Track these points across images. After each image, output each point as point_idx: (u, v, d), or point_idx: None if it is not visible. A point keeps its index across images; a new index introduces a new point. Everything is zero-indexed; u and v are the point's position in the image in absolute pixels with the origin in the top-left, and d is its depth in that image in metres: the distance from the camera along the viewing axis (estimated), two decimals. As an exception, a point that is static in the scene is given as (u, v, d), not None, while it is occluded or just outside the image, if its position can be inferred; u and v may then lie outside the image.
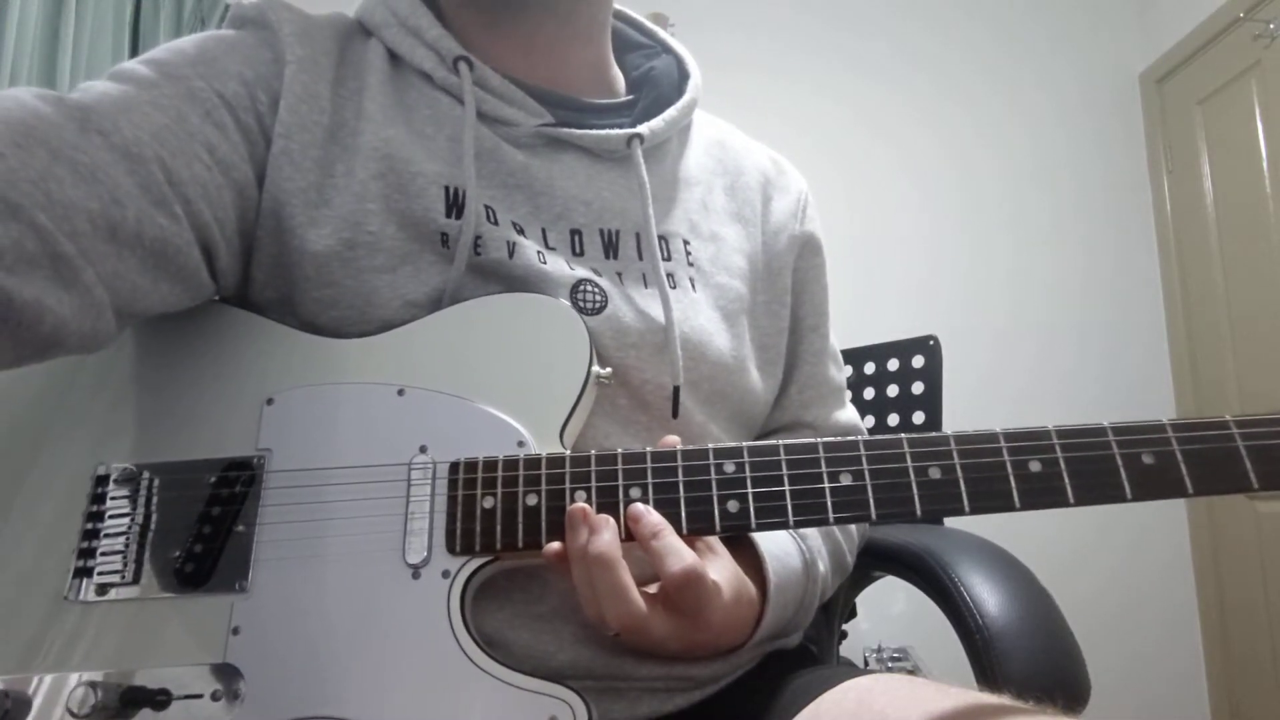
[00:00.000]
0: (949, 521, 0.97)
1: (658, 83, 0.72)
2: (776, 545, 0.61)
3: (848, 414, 0.77)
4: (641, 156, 0.66)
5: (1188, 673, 2.39)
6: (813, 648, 0.71)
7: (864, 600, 0.96)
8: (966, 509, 0.50)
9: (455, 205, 0.60)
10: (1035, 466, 0.50)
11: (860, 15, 2.67)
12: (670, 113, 0.70)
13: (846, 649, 1.01)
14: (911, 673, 0.62)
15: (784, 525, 0.52)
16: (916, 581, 0.74)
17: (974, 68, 2.66)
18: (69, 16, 1.68)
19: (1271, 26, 2.21)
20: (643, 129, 0.67)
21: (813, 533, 0.65)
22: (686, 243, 0.68)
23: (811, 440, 0.53)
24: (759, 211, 0.74)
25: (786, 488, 0.52)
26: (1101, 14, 2.72)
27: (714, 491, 0.52)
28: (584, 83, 0.70)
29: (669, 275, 0.65)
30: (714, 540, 0.56)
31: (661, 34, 0.78)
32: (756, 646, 0.61)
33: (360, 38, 0.67)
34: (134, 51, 1.90)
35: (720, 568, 0.55)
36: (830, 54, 2.64)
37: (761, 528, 0.52)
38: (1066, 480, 0.50)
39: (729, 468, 0.53)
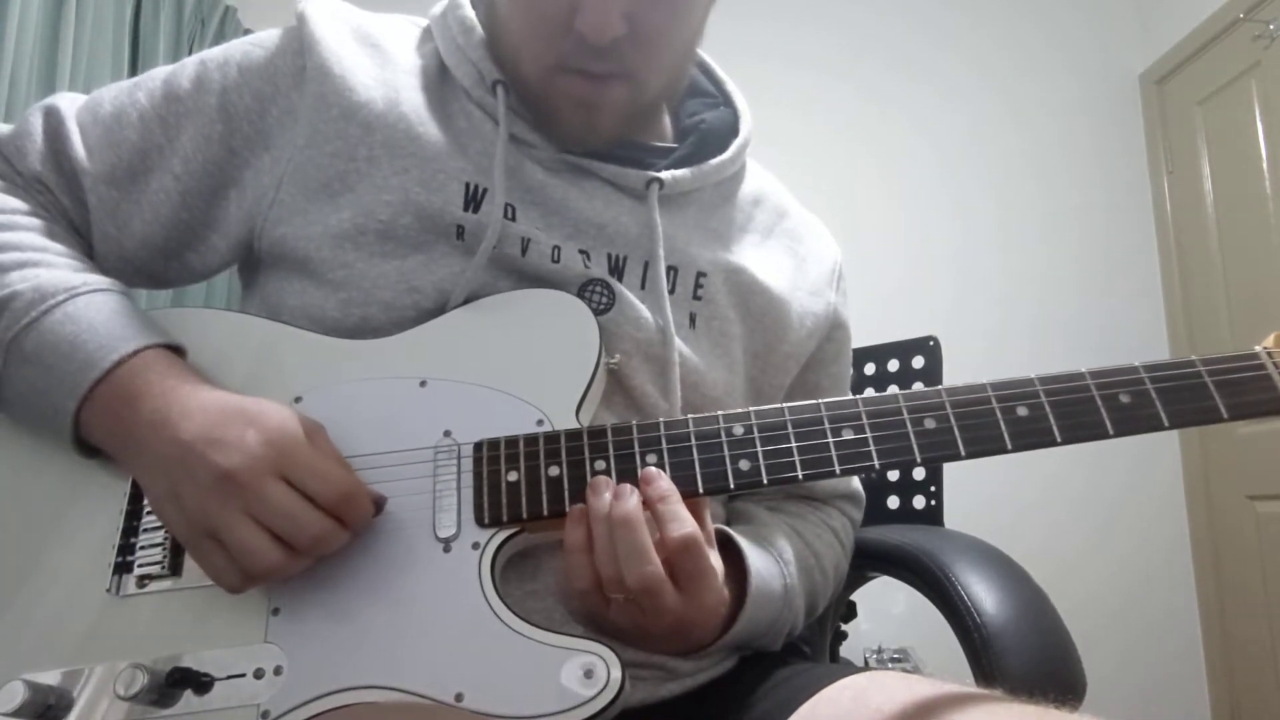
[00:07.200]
0: (948, 522, 0.97)
1: (704, 136, 0.72)
2: (762, 564, 0.62)
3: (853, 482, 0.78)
4: (657, 200, 0.66)
5: (1187, 672, 2.38)
6: (805, 648, 0.71)
7: (864, 601, 0.96)
8: (963, 453, 0.53)
9: (474, 201, 0.62)
10: (1023, 411, 0.54)
11: (857, 16, 2.67)
12: (704, 167, 0.70)
13: (846, 650, 1.00)
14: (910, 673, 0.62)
15: (794, 480, 0.55)
16: (914, 582, 0.75)
17: (974, 69, 2.66)
18: (69, 16, 1.68)
19: (1271, 27, 2.21)
20: (665, 175, 0.68)
21: (795, 566, 0.66)
22: (702, 274, 0.68)
23: (814, 402, 0.57)
24: (790, 269, 0.74)
25: (794, 444, 0.55)
26: (1101, 15, 2.72)
27: (725, 452, 0.55)
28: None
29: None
30: (711, 535, 0.57)
31: (729, 86, 0.78)
32: (723, 650, 0.62)
33: (425, 37, 0.70)
34: (134, 51, 1.90)
35: (714, 557, 0.56)
36: (829, 55, 2.64)
37: (773, 483, 0.55)
38: (1053, 421, 0.53)
39: (738, 430, 0.56)
